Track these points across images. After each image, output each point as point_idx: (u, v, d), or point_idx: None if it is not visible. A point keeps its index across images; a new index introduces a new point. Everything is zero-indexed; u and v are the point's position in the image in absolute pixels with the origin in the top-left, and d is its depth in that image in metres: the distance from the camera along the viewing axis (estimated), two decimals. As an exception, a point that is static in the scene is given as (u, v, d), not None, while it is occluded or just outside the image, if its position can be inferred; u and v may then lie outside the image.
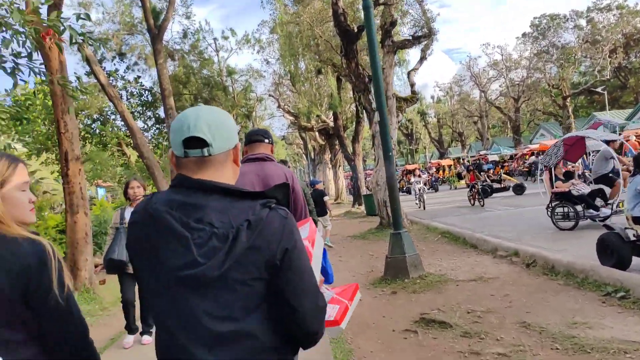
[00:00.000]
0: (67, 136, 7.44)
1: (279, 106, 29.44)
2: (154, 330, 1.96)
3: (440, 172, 40.45)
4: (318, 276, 1.66)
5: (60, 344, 1.38)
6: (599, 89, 36.24)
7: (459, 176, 28.17)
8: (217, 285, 1.21)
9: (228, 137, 1.33)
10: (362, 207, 20.25)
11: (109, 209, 14.66)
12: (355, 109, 21.25)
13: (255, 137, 3.20)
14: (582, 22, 39.44)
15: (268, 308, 1.26)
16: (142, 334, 5.39)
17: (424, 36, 13.87)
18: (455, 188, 28.50)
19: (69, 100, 7.29)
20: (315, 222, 6.83)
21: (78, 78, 6.18)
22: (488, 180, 19.18)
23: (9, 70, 5.16)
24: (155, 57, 16.19)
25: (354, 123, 22.99)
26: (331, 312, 2.02)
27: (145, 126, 21.91)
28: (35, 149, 18.07)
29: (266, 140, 3.21)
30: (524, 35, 42.34)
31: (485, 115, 51.81)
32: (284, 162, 7.23)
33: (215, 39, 34.31)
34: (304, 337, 1.33)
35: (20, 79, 5.25)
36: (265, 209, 1.26)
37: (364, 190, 21.96)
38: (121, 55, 20.46)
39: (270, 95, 31.00)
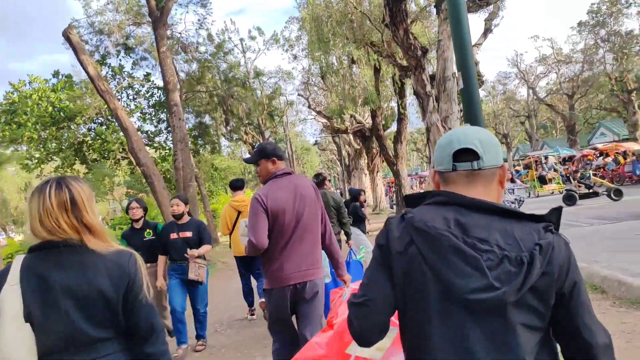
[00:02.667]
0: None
1: (309, 106, 26.57)
2: None
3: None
4: None
5: (141, 334, 1.60)
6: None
7: (542, 180, 23.46)
8: (510, 312, 1.16)
9: (496, 154, 1.30)
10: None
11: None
12: (397, 104, 18.05)
13: (282, 154, 3.33)
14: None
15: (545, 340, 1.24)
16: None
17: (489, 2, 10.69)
18: (538, 196, 22.39)
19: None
20: (348, 235, 6.44)
21: None
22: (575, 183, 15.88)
23: None
24: (157, 45, 13.54)
25: (395, 122, 19.88)
26: None
27: (157, 130, 19.44)
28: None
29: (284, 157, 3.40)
30: (579, 24, 38.16)
31: (534, 114, 47.75)
32: (318, 175, 6.67)
33: (241, 40, 31.50)
34: None
35: None
36: (549, 233, 1.21)
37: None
38: (128, 49, 17.97)
39: (299, 95, 28.15)
